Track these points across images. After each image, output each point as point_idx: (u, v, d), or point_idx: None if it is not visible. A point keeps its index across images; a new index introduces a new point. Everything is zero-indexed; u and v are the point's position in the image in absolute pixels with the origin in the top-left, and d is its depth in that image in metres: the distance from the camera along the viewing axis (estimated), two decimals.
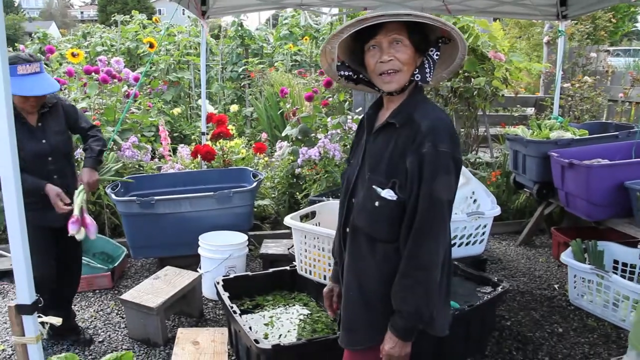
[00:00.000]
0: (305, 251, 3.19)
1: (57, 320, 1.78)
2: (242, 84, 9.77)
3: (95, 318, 3.56)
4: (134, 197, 4.00)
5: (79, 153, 4.40)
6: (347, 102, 6.13)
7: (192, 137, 7.51)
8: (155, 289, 3.32)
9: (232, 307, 2.81)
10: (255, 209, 5.01)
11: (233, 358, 3.00)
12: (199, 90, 7.42)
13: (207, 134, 5.39)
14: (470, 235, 3.66)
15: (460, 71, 5.82)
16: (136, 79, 5.52)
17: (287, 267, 3.49)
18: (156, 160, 5.57)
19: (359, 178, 1.70)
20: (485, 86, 5.71)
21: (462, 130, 6.40)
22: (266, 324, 3.06)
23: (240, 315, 2.75)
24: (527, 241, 5.00)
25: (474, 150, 6.37)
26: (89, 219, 2.78)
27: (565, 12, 5.19)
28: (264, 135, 7.33)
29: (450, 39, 1.61)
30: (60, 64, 8.08)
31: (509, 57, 5.97)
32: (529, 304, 3.76)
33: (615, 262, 3.79)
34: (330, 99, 6.01)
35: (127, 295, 3.24)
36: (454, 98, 5.91)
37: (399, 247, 1.60)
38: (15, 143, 1.58)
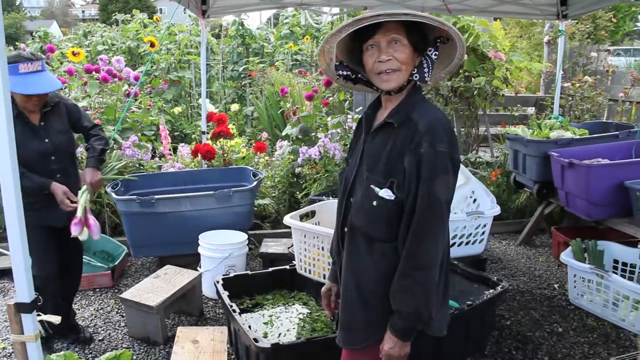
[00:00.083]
0: (305, 250, 3.20)
1: (56, 319, 1.78)
2: (242, 83, 9.78)
3: (95, 317, 3.57)
4: (134, 196, 4.01)
5: (79, 152, 4.40)
6: (347, 102, 6.13)
7: (193, 136, 7.51)
8: (155, 287, 3.32)
9: (231, 306, 2.81)
10: (256, 208, 5.01)
11: (233, 357, 3.00)
12: (199, 90, 7.41)
13: (208, 133, 5.40)
14: (470, 234, 3.67)
15: (460, 71, 5.82)
16: (137, 78, 5.52)
17: (287, 266, 3.49)
18: (157, 159, 5.57)
19: (357, 178, 1.70)
20: (486, 86, 5.71)
21: (463, 129, 6.40)
22: (265, 323, 3.07)
23: (239, 314, 2.75)
24: (527, 241, 5.00)
25: (474, 150, 6.37)
26: (92, 220, 2.77)
27: (566, 11, 5.19)
28: (264, 135, 7.33)
29: (449, 39, 1.61)
30: (61, 63, 8.09)
31: (510, 56, 5.97)
32: (528, 304, 3.76)
33: (615, 261, 3.79)
34: (331, 99, 6.01)
35: (127, 294, 3.25)
36: (454, 97, 5.91)
37: (397, 247, 1.60)
38: (14, 143, 1.58)
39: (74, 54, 5.86)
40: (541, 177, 4.40)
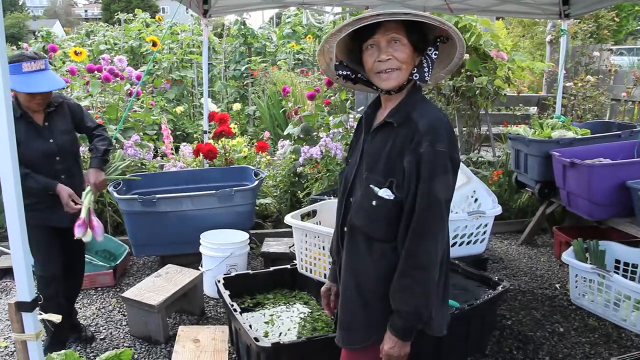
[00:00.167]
0: (306, 250, 3.20)
1: (56, 318, 1.79)
2: (245, 83, 9.79)
3: (97, 316, 3.58)
4: (136, 195, 4.02)
5: (81, 151, 4.41)
6: (349, 101, 6.13)
7: (195, 135, 7.53)
8: (157, 286, 3.33)
9: (232, 305, 2.82)
10: (257, 208, 5.02)
11: (234, 356, 3.01)
12: (201, 89, 7.43)
13: (210, 132, 5.40)
14: (471, 234, 3.67)
15: (462, 70, 5.81)
16: (139, 78, 5.53)
17: (288, 266, 3.50)
18: (158, 158, 5.58)
19: (357, 177, 1.70)
20: (488, 85, 5.70)
21: (465, 129, 6.40)
22: (266, 322, 3.07)
23: (240, 313, 2.76)
24: (529, 240, 4.99)
25: (476, 150, 6.36)
26: (95, 221, 2.76)
27: (568, 11, 5.18)
28: (266, 134, 7.34)
29: (449, 38, 1.61)
30: (64, 63, 8.11)
31: (512, 56, 5.96)
32: (530, 304, 3.76)
33: (617, 261, 3.79)
34: (332, 98, 6.01)
35: (128, 293, 3.26)
36: (456, 97, 5.90)
37: (396, 246, 1.60)
38: (15, 141, 1.58)
39: (76, 53, 5.88)
40: (543, 177, 4.39)
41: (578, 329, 3.42)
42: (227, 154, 5.32)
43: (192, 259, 3.99)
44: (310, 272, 3.25)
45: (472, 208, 3.74)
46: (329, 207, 3.58)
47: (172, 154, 5.67)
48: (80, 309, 3.63)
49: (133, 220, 3.97)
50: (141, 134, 5.40)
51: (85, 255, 3.37)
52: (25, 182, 2.63)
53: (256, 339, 2.46)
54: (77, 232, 2.68)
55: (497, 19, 6.91)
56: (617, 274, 3.60)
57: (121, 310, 3.62)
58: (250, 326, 2.62)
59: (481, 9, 5.24)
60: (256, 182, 4.27)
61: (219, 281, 3.16)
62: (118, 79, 5.38)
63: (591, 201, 3.76)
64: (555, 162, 4.09)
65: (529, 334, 3.34)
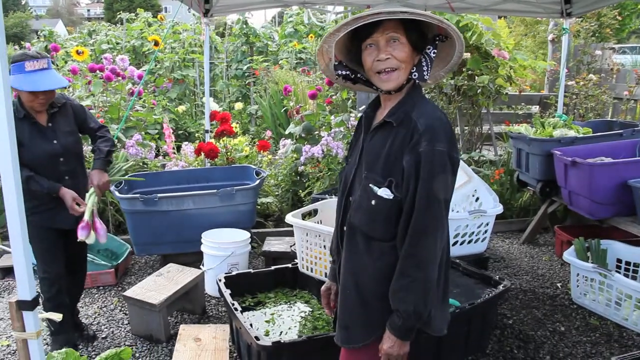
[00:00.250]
0: (307, 249, 3.21)
1: (57, 316, 1.80)
2: (246, 82, 9.80)
3: (98, 314, 3.59)
4: (138, 195, 4.03)
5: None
6: (351, 100, 6.13)
7: (197, 134, 7.54)
8: (158, 285, 3.34)
9: (233, 304, 2.82)
10: (259, 207, 5.02)
11: (235, 355, 3.02)
12: (203, 88, 7.45)
13: (211, 131, 5.41)
14: (473, 233, 3.68)
15: (464, 69, 5.81)
16: (140, 77, 5.54)
17: (289, 265, 3.50)
18: (160, 157, 5.59)
19: (356, 177, 1.70)
20: (489, 84, 5.69)
21: (466, 128, 6.39)
22: (267, 321, 3.07)
23: (241, 312, 2.76)
24: (531, 239, 4.98)
25: (477, 148, 6.36)
26: (98, 223, 2.76)
27: (570, 9, 5.17)
28: (268, 133, 7.34)
29: (448, 37, 1.61)
30: (66, 62, 8.13)
31: (513, 55, 5.95)
32: (531, 303, 3.76)
33: (619, 260, 3.78)
34: (334, 97, 6.01)
35: (130, 292, 3.27)
36: (457, 96, 5.90)
37: (395, 246, 1.60)
38: (15, 142, 1.58)
39: (78, 53, 5.89)
40: (544, 176, 4.39)
41: (579, 328, 3.42)
42: (228, 153, 5.33)
43: (194, 258, 4.00)
44: (311, 271, 3.25)
45: (473, 207, 3.74)
46: (330, 206, 3.58)
47: (174, 153, 5.68)
48: (82, 307, 3.64)
49: (135, 219, 3.98)
50: (143, 133, 5.41)
51: (87, 254, 3.38)
52: (28, 185, 2.63)
53: (257, 338, 2.47)
54: (81, 235, 2.67)
55: (500, 17, 6.91)
56: (619, 273, 3.60)
57: (123, 309, 3.63)
58: (251, 325, 2.63)
59: (482, 8, 5.23)
60: (257, 181, 4.27)
61: (220, 280, 3.17)
62: (120, 78, 5.39)
63: (593, 200, 3.76)
64: (557, 161, 4.08)
65: (530, 333, 3.34)
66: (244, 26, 10.04)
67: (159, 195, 3.93)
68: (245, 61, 9.94)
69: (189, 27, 9.84)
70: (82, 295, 3.78)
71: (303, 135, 5.49)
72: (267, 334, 2.93)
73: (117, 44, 10.63)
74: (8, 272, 4.15)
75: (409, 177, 1.55)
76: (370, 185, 1.61)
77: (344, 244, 1.74)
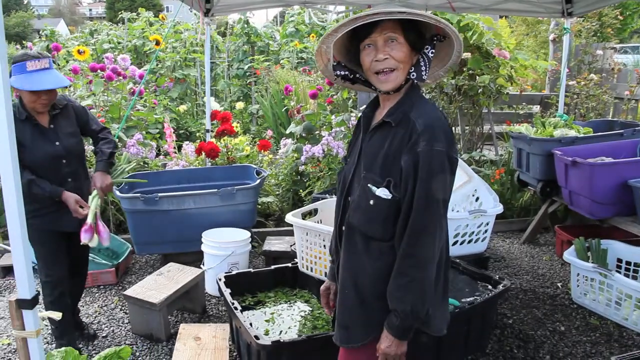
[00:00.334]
0: (307, 248, 3.21)
1: (56, 315, 1.80)
2: (248, 81, 9.80)
3: (99, 313, 3.59)
4: (139, 194, 4.03)
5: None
6: (351, 100, 6.13)
7: (198, 134, 7.54)
8: (158, 285, 3.34)
9: (233, 304, 2.83)
10: (260, 206, 5.03)
11: (235, 354, 3.02)
12: (205, 88, 7.45)
13: (212, 131, 5.42)
14: (473, 233, 3.68)
15: (464, 69, 5.81)
16: (141, 76, 5.55)
17: (289, 264, 3.51)
18: (161, 157, 5.60)
19: (355, 177, 1.71)
20: (490, 84, 5.69)
21: (467, 127, 6.39)
22: (267, 321, 3.08)
23: (241, 311, 2.77)
24: (531, 239, 4.98)
25: (478, 148, 6.35)
26: (101, 226, 2.75)
27: (571, 9, 5.17)
28: (269, 133, 7.35)
29: (446, 37, 1.61)
30: (67, 62, 8.14)
31: (514, 54, 5.95)
32: (531, 302, 3.76)
33: (619, 260, 3.78)
34: (335, 97, 6.02)
35: (130, 291, 3.27)
36: (458, 96, 5.90)
37: (393, 246, 1.60)
38: (15, 141, 1.59)
39: (79, 52, 5.90)
40: (545, 176, 4.39)
41: (579, 327, 3.42)
42: (229, 153, 5.33)
43: (194, 258, 4.01)
44: (311, 270, 3.26)
45: (473, 207, 3.74)
46: (330, 205, 3.58)
47: (175, 152, 5.69)
48: (83, 306, 3.65)
49: (135, 218, 3.99)
50: (144, 132, 5.42)
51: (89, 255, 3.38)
52: (30, 189, 2.62)
53: (256, 337, 2.47)
54: (84, 238, 2.66)
55: (501, 17, 6.91)
56: (619, 273, 3.60)
57: (123, 308, 3.63)
58: (250, 324, 2.64)
59: (483, 8, 5.23)
60: (258, 181, 4.28)
61: (220, 279, 3.18)
62: (121, 77, 5.40)
63: (593, 200, 3.76)
64: (557, 161, 4.08)
65: (530, 332, 3.34)
66: (246, 26, 10.05)
67: (159, 194, 3.94)
68: (246, 61, 9.95)
69: (190, 26, 9.85)
70: (83, 295, 3.79)
71: (304, 134, 5.50)
72: (266, 333, 2.93)
73: (119, 43, 10.64)
74: (9, 271, 4.17)
75: (408, 177, 1.55)
76: (369, 185, 1.61)
77: (343, 243, 1.74)
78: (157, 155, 5.57)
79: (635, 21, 12.59)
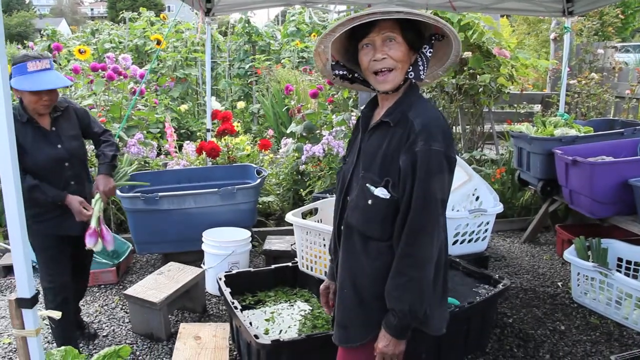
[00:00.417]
0: (307, 248, 3.21)
1: (56, 314, 1.81)
2: (249, 81, 9.81)
3: (100, 313, 3.60)
4: (139, 194, 4.04)
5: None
6: (352, 99, 6.13)
7: (199, 133, 7.55)
8: (159, 284, 3.35)
9: (233, 303, 2.83)
10: (260, 206, 5.04)
11: (235, 353, 3.03)
12: (206, 87, 7.45)
13: (213, 130, 5.42)
14: (473, 232, 3.68)
15: (465, 68, 5.81)
16: (142, 76, 5.55)
17: (289, 264, 3.51)
18: (162, 156, 5.61)
19: (354, 176, 1.71)
20: (491, 83, 5.69)
21: (468, 127, 6.39)
22: (267, 320, 3.09)
23: (241, 310, 2.77)
24: (532, 239, 4.98)
25: (479, 148, 6.35)
26: (105, 230, 2.74)
27: (571, 8, 5.17)
28: (270, 132, 7.35)
29: (444, 36, 1.61)
30: (69, 61, 8.15)
31: (515, 53, 5.94)
32: (531, 302, 3.76)
33: (619, 260, 3.77)
34: (335, 96, 6.02)
35: (130, 291, 3.28)
36: (459, 95, 5.90)
37: (392, 245, 1.60)
38: (15, 140, 1.59)
39: (80, 52, 5.90)
40: (545, 175, 4.39)
41: (579, 327, 3.42)
42: (230, 152, 5.34)
43: (195, 257, 4.01)
44: (311, 269, 3.26)
45: (473, 206, 3.74)
46: (330, 205, 3.58)
47: (176, 152, 5.69)
48: (84, 306, 3.66)
49: (136, 218, 4.00)
50: (145, 132, 5.42)
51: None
52: (32, 195, 2.58)
53: (256, 336, 2.47)
54: (89, 243, 2.65)
55: (502, 16, 6.90)
56: (619, 272, 3.60)
57: (124, 307, 3.64)
58: (250, 323, 2.64)
59: (484, 7, 5.23)
60: (258, 180, 4.28)
61: (220, 279, 3.18)
62: (122, 77, 5.40)
63: (593, 199, 3.76)
64: (558, 160, 4.08)
65: (530, 331, 3.34)
66: (247, 25, 10.05)
67: (160, 194, 3.95)
68: (247, 60, 9.95)
69: (191, 26, 9.85)
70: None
71: (304, 134, 5.50)
72: (266, 332, 2.94)
73: (120, 43, 10.65)
74: (10, 270, 4.18)
75: (406, 177, 1.55)
76: (367, 184, 1.61)
77: (342, 243, 1.74)
78: (158, 154, 5.57)
79: (637, 20, 12.56)
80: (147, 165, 5.16)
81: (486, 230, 3.76)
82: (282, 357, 2.50)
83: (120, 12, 11.84)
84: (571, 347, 3.18)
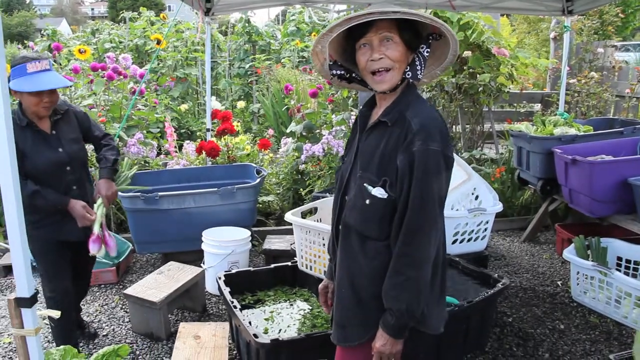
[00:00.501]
0: (306, 247, 3.22)
1: (55, 314, 1.81)
2: (249, 81, 9.81)
3: (100, 312, 3.61)
4: (139, 193, 4.04)
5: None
6: (352, 99, 6.13)
7: (199, 133, 7.56)
8: (159, 283, 3.35)
9: (232, 302, 2.84)
10: (260, 205, 5.04)
11: (234, 352, 3.03)
12: (206, 87, 7.46)
13: (213, 130, 5.43)
14: (472, 231, 3.68)
15: (465, 67, 5.81)
16: (142, 76, 5.56)
17: (289, 263, 3.51)
18: (162, 156, 5.61)
19: (352, 176, 1.71)
20: (491, 82, 5.68)
21: (468, 126, 6.39)
22: (267, 319, 3.09)
23: (240, 310, 2.78)
24: (532, 238, 4.98)
25: (479, 147, 6.35)
26: (108, 235, 2.73)
27: (571, 7, 5.16)
28: (270, 132, 7.35)
29: (441, 35, 1.62)
30: (69, 61, 8.15)
31: (515, 52, 5.94)
32: (531, 301, 3.76)
33: (619, 259, 3.77)
34: (335, 96, 6.02)
35: (130, 290, 3.28)
36: (459, 94, 5.90)
37: (389, 245, 1.61)
38: (14, 142, 1.59)
39: (80, 52, 5.90)
40: (545, 174, 4.39)
41: (579, 326, 3.42)
42: (229, 152, 5.34)
43: (194, 256, 4.02)
44: (311, 269, 3.26)
45: (472, 205, 3.74)
46: (329, 204, 3.57)
47: (176, 151, 5.69)
48: (84, 305, 3.66)
49: (136, 217, 4.00)
50: (145, 132, 5.43)
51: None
52: (33, 200, 2.55)
53: (255, 336, 2.48)
54: (92, 249, 2.64)
55: (502, 15, 6.90)
56: (619, 271, 3.60)
57: (124, 307, 3.65)
58: (250, 323, 2.65)
59: (483, 6, 5.23)
60: (258, 180, 4.29)
61: (219, 278, 3.19)
62: (122, 77, 5.40)
63: (593, 198, 3.76)
64: (558, 159, 4.08)
65: (530, 331, 3.34)
66: (247, 25, 10.05)
67: (160, 193, 3.95)
68: (247, 60, 9.95)
69: (191, 25, 9.85)
70: None
71: (304, 133, 5.51)
72: (266, 331, 2.94)
73: (120, 42, 10.65)
74: (10, 270, 4.18)
75: (403, 177, 1.55)
76: (365, 184, 1.61)
77: (340, 243, 1.74)
78: (158, 154, 5.58)
79: (637, 19, 12.55)
80: (147, 165, 5.16)
81: (486, 230, 3.76)
82: (282, 356, 2.51)
83: (121, 12, 11.84)
84: (570, 346, 3.18)
